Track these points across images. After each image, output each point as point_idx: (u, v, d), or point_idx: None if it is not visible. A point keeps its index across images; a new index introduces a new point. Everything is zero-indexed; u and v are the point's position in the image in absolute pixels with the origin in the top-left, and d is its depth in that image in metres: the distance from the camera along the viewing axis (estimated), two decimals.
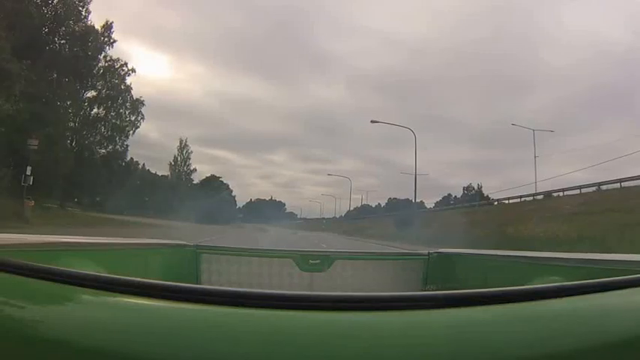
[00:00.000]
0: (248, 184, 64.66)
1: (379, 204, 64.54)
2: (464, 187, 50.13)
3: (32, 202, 17.26)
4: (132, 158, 39.09)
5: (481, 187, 46.95)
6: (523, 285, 0.78)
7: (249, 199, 76.42)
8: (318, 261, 2.48)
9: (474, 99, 61.31)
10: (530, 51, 56.52)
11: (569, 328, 0.63)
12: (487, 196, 40.88)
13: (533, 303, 0.68)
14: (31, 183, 16.55)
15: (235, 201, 63.69)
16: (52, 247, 1.49)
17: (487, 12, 59.22)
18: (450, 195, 50.75)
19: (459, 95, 60.55)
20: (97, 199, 37.25)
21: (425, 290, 2.31)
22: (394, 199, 52.16)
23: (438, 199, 52.11)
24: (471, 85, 61.31)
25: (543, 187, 30.85)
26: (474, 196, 44.29)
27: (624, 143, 38.11)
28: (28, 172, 16.87)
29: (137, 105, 32.95)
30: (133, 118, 33.03)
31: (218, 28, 64.46)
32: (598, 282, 0.77)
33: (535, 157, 32.12)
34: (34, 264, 0.75)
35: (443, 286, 2.34)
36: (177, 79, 63.37)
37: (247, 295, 0.67)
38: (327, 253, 2.57)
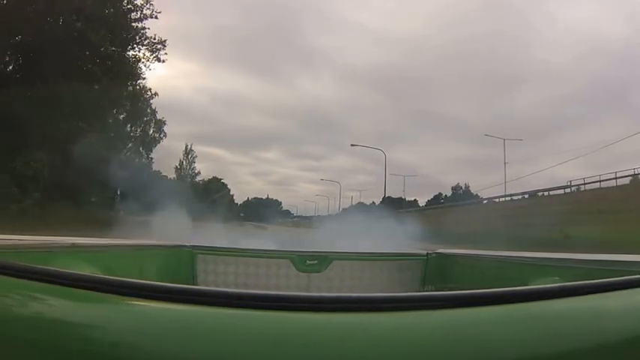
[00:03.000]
0: (242, 182, 61.68)
1: (373, 202, 67.35)
2: (452, 187, 50.66)
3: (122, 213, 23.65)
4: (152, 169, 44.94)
5: (468, 186, 47.73)
6: (522, 285, 0.77)
7: (246, 198, 78.63)
8: (315, 261, 2.50)
9: (471, 95, 59.27)
10: (525, 47, 53.40)
11: (568, 329, 0.62)
12: (476, 194, 42.00)
13: (531, 304, 0.67)
14: (119, 199, 23.28)
15: (234, 200, 67.97)
16: (48, 248, 1.51)
17: (482, 8, 56.37)
18: (440, 194, 50.66)
19: (456, 92, 57.45)
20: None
21: (423, 291, 2.37)
22: (388, 197, 54.05)
23: (431, 197, 51.74)
24: (468, 82, 57.42)
25: (537, 182, 32.53)
26: (462, 195, 45.38)
27: (622, 141, 36.26)
28: (118, 192, 23.45)
29: (160, 124, 39.13)
30: (156, 136, 39.41)
31: (206, 22, 62.55)
32: (597, 283, 0.76)
33: (505, 163, 35.12)
34: (30, 265, 0.75)
35: (441, 286, 2.35)
36: (165, 75, 63.83)
37: (244, 296, 0.68)
38: (325, 254, 2.59)
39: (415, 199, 49.20)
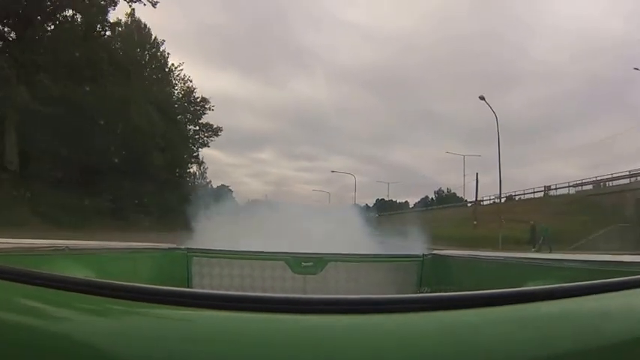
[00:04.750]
0: (239, 182, 59.02)
1: (367, 204, 66.08)
2: (435, 191, 54.89)
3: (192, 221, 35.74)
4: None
5: (450, 189, 52.09)
6: (518, 287, 0.77)
7: (246, 200, 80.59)
8: (310, 263, 2.48)
9: (466, 95, 61.47)
10: (519, 46, 56.32)
11: (565, 330, 0.62)
12: (461, 197, 46.30)
13: (526, 305, 0.67)
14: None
15: (237, 203, 74.64)
16: (42, 251, 1.50)
17: (474, 7, 59.13)
18: (427, 197, 54.27)
19: (450, 92, 60.46)
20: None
21: (419, 292, 2.31)
22: (381, 199, 54.45)
23: (420, 198, 54.88)
24: (462, 82, 58.48)
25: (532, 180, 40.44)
26: (445, 198, 50.31)
27: (615, 140, 36.77)
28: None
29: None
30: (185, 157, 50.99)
31: (195, 21, 61.53)
32: (592, 284, 0.76)
33: (464, 175, 41.02)
34: (25, 269, 0.75)
35: (437, 288, 2.30)
36: None
37: (239, 298, 0.68)
38: (320, 255, 2.55)
39: (406, 201, 53.41)
